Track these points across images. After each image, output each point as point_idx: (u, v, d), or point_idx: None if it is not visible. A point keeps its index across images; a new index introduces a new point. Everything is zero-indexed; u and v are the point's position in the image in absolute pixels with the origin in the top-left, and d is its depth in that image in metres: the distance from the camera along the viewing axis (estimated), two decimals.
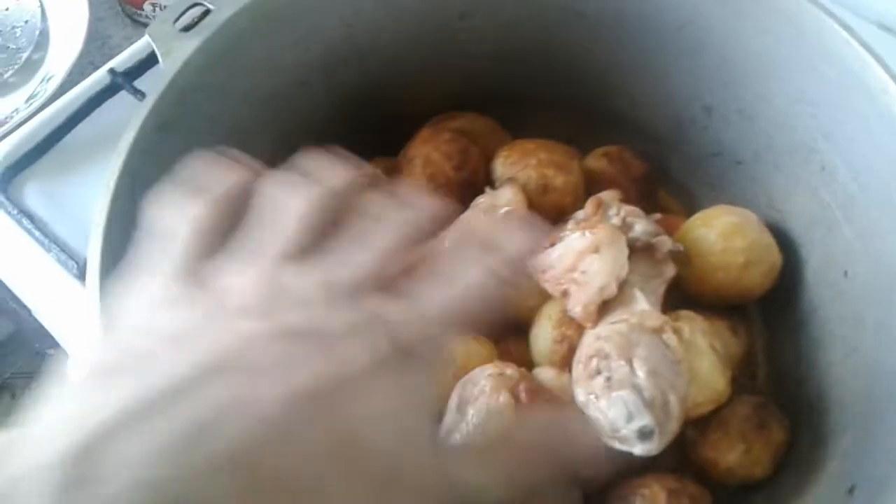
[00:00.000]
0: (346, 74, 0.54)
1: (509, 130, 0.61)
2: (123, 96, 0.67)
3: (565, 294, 0.50)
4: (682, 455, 0.53)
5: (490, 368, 0.48)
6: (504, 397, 0.47)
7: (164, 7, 0.66)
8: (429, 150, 0.53)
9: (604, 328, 0.48)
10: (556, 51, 0.57)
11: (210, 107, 0.47)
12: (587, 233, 0.50)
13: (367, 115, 0.57)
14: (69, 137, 0.66)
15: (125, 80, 0.66)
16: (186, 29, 0.46)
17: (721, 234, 0.53)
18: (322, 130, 0.56)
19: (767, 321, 0.58)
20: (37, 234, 0.61)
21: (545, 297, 0.52)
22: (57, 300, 0.61)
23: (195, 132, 0.47)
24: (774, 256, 0.54)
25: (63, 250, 0.61)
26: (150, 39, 0.45)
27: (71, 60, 0.71)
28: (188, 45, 0.44)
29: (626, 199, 0.55)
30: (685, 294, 0.54)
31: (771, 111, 0.52)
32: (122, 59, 0.69)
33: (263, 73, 0.49)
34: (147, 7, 0.75)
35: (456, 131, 0.56)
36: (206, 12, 0.46)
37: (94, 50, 0.76)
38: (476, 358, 0.50)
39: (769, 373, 0.57)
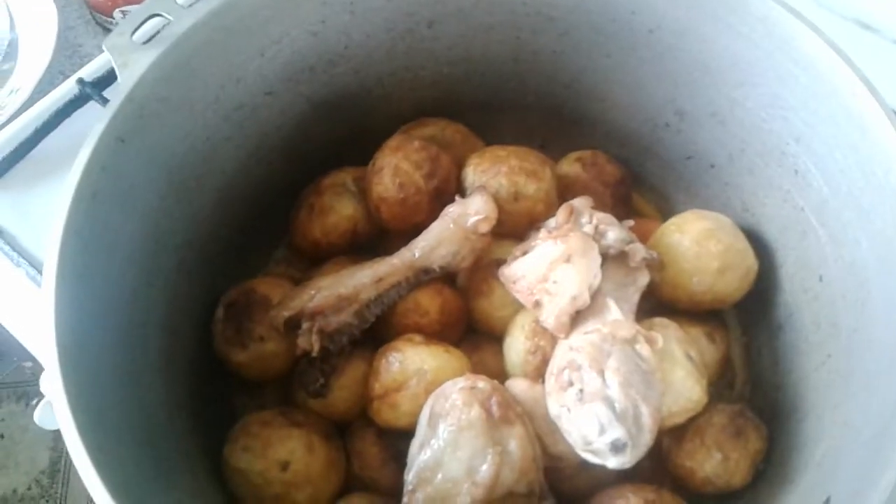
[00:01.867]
0: (314, 83, 0.53)
1: (482, 136, 0.60)
2: (93, 106, 0.66)
3: (538, 304, 0.49)
4: (659, 465, 0.52)
5: (461, 381, 0.47)
6: (475, 411, 0.46)
7: None
8: (398, 159, 0.52)
9: (576, 339, 0.47)
10: (528, 55, 0.56)
11: (171, 119, 0.46)
12: (559, 242, 0.49)
13: (337, 123, 0.56)
14: (37, 150, 0.65)
15: (94, 90, 0.65)
16: (145, 41, 0.45)
17: (695, 239, 0.52)
18: (289, 140, 0.55)
19: (745, 326, 0.57)
20: (6, 248, 0.61)
21: (518, 306, 0.51)
22: (27, 314, 0.60)
23: (156, 144, 0.46)
24: (750, 261, 0.53)
25: (32, 265, 0.60)
26: (107, 52, 0.44)
27: (40, 71, 0.70)
28: (146, 58, 0.43)
29: (601, 204, 0.54)
30: (660, 300, 0.54)
31: (743, 115, 0.52)
32: (92, 69, 0.68)
33: (226, 84, 0.48)
34: (117, 15, 0.74)
35: (426, 139, 0.55)
36: (165, 23, 0.45)
37: (65, 59, 0.75)
38: (448, 370, 0.49)
39: (747, 378, 0.56)
